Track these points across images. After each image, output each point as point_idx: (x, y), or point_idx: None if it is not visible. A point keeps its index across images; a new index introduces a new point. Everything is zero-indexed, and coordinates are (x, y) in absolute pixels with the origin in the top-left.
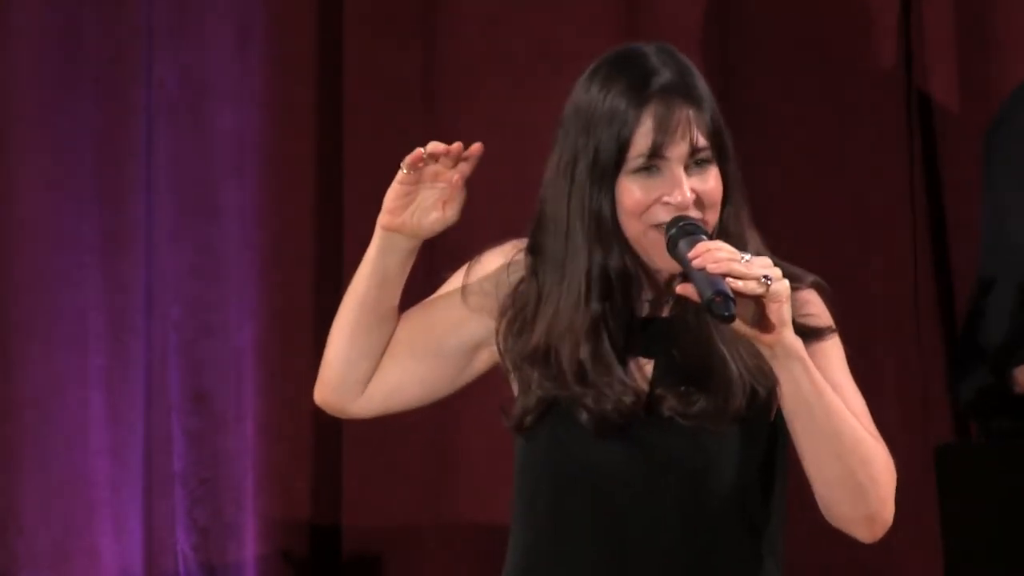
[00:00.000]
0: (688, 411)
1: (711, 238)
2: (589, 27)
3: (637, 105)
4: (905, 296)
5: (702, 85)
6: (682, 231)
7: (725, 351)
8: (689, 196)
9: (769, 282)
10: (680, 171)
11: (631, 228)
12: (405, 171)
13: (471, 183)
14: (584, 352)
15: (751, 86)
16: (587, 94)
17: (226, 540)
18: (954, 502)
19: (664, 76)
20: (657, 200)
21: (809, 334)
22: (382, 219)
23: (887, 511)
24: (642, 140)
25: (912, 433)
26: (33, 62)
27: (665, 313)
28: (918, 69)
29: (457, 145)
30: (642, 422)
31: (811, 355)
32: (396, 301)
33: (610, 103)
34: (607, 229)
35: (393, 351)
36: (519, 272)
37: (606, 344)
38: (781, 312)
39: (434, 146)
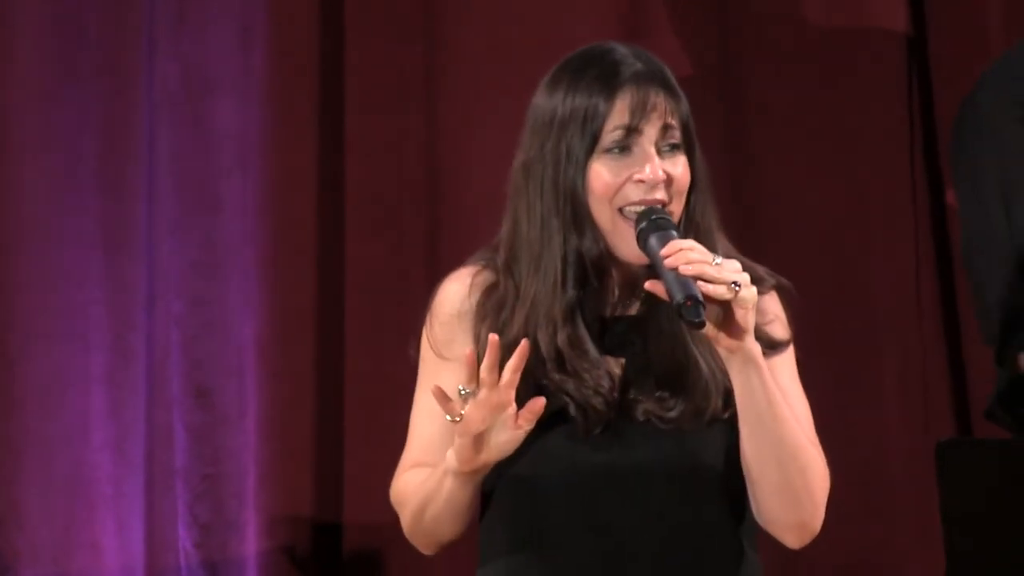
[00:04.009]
0: (665, 415)
1: (681, 235)
2: (591, 26)
3: (609, 92)
4: (907, 293)
5: (675, 81)
6: (653, 225)
7: (697, 352)
8: (661, 174)
9: (738, 288)
10: (652, 148)
11: (601, 215)
12: (453, 419)
13: (472, 181)
14: (561, 338)
15: (751, 83)
16: (554, 91)
17: (228, 536)
18: (956, 499)
19: (636, 66)
20: (627, 180)
21: (769, 346)
22: (459, 470)
23: (817, 520)
24: (616, 120)
25: (913, 430)
26: (35, 57)
27: (633, 311)
28: (920, 65)
29: (470, 357)
30: (622, 425)
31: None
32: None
33: (580, 96)
34: (581, 213)
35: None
36: (479, 292)
37: (582, 330)
38: (747, 318)
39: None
